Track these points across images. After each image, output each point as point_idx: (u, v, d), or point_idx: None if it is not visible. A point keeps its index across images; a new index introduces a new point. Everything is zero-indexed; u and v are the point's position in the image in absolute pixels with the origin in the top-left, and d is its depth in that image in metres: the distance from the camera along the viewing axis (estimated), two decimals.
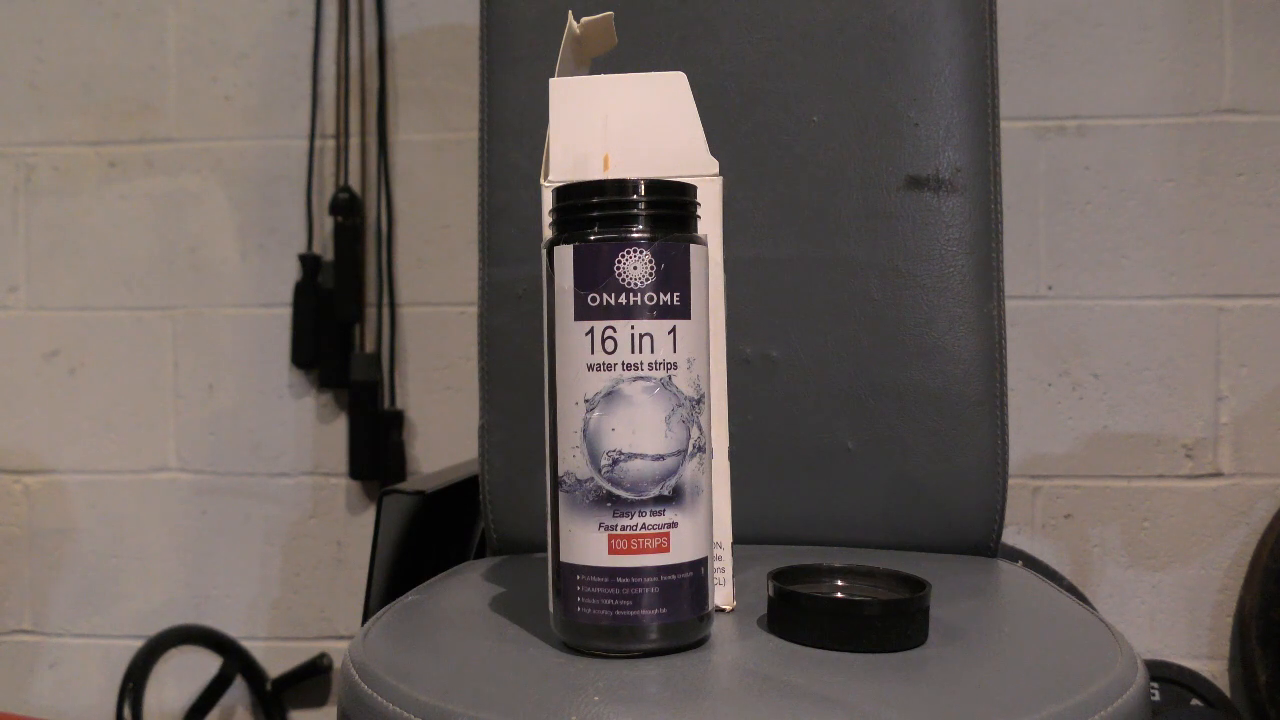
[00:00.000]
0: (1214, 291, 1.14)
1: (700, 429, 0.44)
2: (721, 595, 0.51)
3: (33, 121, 1.25)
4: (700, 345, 0.44)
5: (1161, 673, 1.11)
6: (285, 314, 1.23)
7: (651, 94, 0.51)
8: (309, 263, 1.20)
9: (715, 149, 0.54)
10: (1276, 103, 1.13)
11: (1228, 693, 1.14)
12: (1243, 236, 1.13)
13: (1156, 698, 1.10)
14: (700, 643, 0.46)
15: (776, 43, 0.72)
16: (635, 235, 0.43)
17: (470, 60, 1.21)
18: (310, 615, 1.24)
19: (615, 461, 0.43)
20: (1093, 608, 0.80)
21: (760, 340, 0.70)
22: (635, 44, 0.73)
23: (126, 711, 1.14)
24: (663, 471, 0.43)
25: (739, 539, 0.61)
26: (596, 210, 0.43)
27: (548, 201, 0.49)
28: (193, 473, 1.24)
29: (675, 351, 0.43)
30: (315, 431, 1.23)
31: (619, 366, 0.43)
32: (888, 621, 0.45)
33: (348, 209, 1.19)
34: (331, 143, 1.22)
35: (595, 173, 0.51)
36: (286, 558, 1.24)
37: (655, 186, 0.43)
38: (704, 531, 0.44)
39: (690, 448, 0.43)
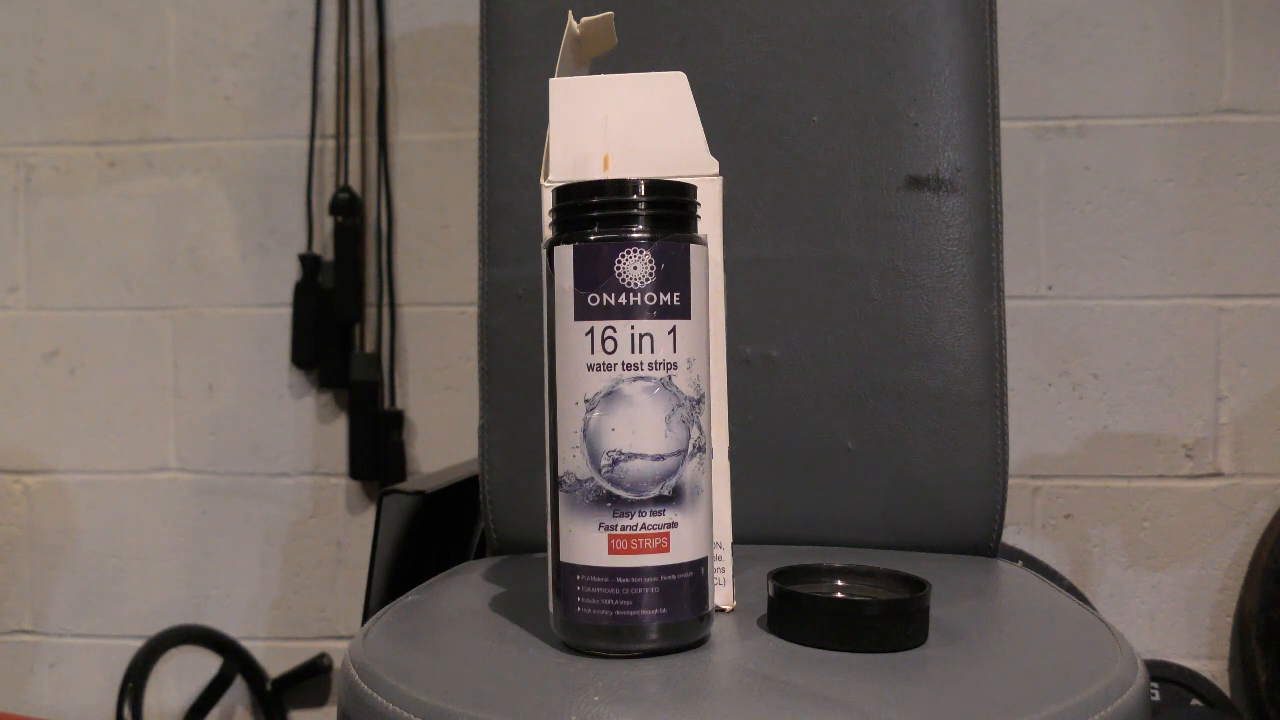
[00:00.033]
0: (1214, 291, 1.14)
1: (700, 429, 0.44)
2: (721, 595, 0.51)
3: (33, 121, 1.25)
4: (700, 345, 0.44)
5: (1161, 673, 1.11)
6: (285, 314, 1.23)
7: (651, 94, 0.51)
8: (309, 263, 1.20)
9: (715, 149, 0.54)
10: (1276, 103, 1.13)
11: (1228, 693, 1.14)
12: (1243, 236, 1.13)
13: (1156, 698, 1.10)
14: (700, 643, 0.46)
15: (776, 43, 0.72)
16: (635, 235, 0.43)
17: (470, 60, 1.21)
18: (310, 615, 1.24)
19: (615, 461, 0.43)
20: (1093, 608, 0.80)
21: (760, 340, 0.70)
22: (635, 44, 0.73)
23: (126, 711, 1.14)
24: (663, 471, 0.43)
25: (739, 539, 0.61)
26: (596, 210, 0.43)
27: (548, 201, 0.49)
28: (193, 473, 1.24)
29: (675, 351, 0.43)
30: (315, 431, 1.23)
31: (619, 366, 0.43)
32: (888, 621, 0.45)
33: (348, 209, 1.19)
34: (331, 143, 1.22)
35: (595, 173, 0.51)
36: (286, 558, 1.24)
37: (655, 186, 0.43)
38: (704, 531, 0.44)
39: (690, 448, 0.44)
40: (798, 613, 0.46)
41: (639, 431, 0.42)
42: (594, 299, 0.43)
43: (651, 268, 0.43)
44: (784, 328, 0.70)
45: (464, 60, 1.21)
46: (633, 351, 0.43)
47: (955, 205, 0.70)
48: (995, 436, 0.68)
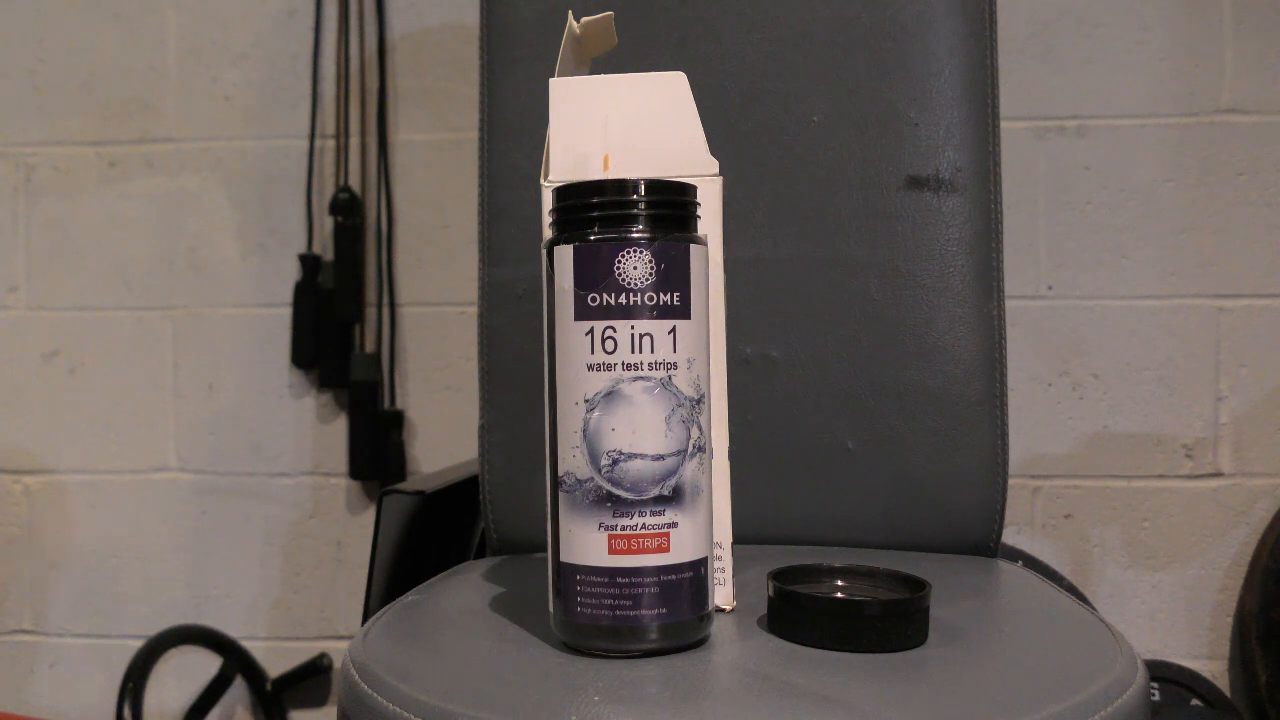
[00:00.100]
0: (1214, 291, 1.14)
1: (700, 429, 0.44)
2: (721, 595, 0.51)
3: (33, 121, 1.25)
4: (700, 345, 0.44)
5: (1161, 673, 1.11)
6: (285, 314, 1.23)
7: (651, 94, 0.51)
8: (309, 263, 1.20)
9: (715, 149, 0.54)
10: (1276, 103, 1.13)
11: (1228, 693, 1.14)
12: (1243, 236, 1.13)
13: (1156, 698, 1.10)
14: (700, 643, 0.46)
15: (776, 43, 0.72)
16: (635, 235, 0.43)
17: (470, 60, 1.21)
18: (310, 615, 1.24)
19: (615, 461, 0.43)
20: (1093, 608, 0.80)
21: (760, 340, 0.70)
22: (635, 44, 0.73)
23: (126, 711, 1.14)
24: (663, 471, 0.43)
25: (739, 539, 0.61)
26: (596, 210, 0.43)
27: (548, 201, 0.49)
28: (193, 473, 1.24)
29: (675, 351, 0.43)
30: (315, 431, 1.23)
31: (619, 366, 0.43)
32: (888, 621, 0.45)
33: (348, 209, 1.19)
34: (331, 143, 1.22)
35: (595, 173, 0.51)
36: (286, 558, 1.24)
37: (655, 186, 0.43)
38: (704, 531, 0.44)
39: (690, 448, 0.43)
40: (798, 613, 0.46)
41: (639, 431, 0.42)
42: (594, 299, 0.43)
43: (651, 268, 0.43)
44: (784, 328, 0.70)
45: (464, 60, 1.21)
46: (633, 351, 0.43)
47: (955, 205, 0.70)
48: (995, 436, 0.68)
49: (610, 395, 0.43)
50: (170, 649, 1.20)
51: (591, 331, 0.43)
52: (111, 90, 1.24)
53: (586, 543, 0.43)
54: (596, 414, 0.43)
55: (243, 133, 1.23)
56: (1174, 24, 1.13)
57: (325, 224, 1.22)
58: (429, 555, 0.90)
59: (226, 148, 1.23)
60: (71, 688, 1.26)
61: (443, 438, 1.22)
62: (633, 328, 0.43)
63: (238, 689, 1.24)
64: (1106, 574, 1.15)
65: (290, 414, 1.23)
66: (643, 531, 0.43)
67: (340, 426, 1.22)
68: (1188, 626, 1.15)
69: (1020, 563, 1.13)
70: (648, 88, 0.51)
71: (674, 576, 0.43)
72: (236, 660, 1.21)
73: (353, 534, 1.23)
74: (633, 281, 0.42)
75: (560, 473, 0.44)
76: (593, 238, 0.43)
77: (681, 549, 0.43)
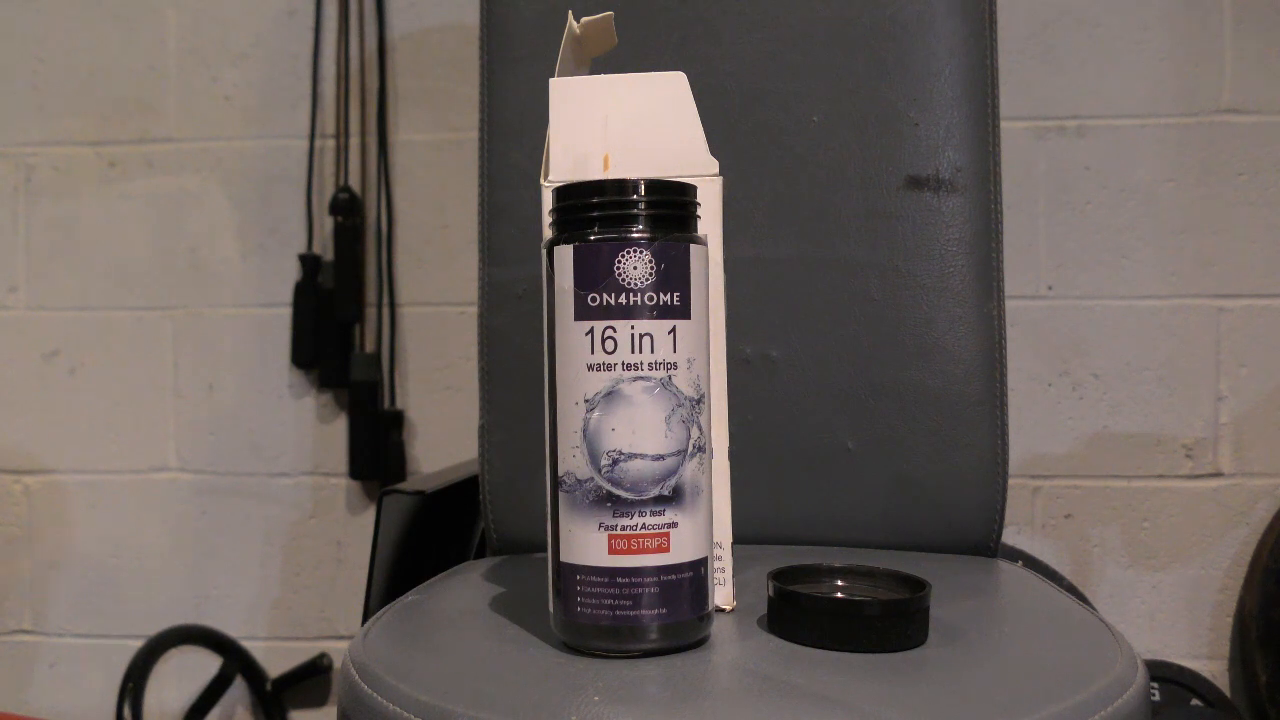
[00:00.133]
0: (1214, 291, 1.14)
1: (700, 429, 0.44)
2: (721, 595, 0.51)
3: (33, 121, 1.25)
4: (700, 345, 0.44)
5: (1161, 673, 1.11)
6: (285, 314, 1.23)
7: (651, 94, 0.51)
8: (309, 263, 1.20)
9: (715, 149, 0.54)
10: (1276, 103, 1.13)
11: (1228, 693, 1.14)
12: (1243, 236, 1.13)
13: (1156, 698, 1.10)
14: (700, 643, 0.46)
15: (776, 43, 0.72)
16: (635, 235, 0.43)
17: (470, 60, 1.21)
18: (310, 615, 1.24)
19: (615, 461, 0.43)
20: (1093, 608, 0.80)
21: (760, 340, 0.70)
22: (635, 44, 0.73)
23: (126, 711, 1.14)
24: (663, 471, 0.43)
25: (739, 539, 0.61)
26: (596, 210, 0.43)
27: (548, 201, 0.49)
28: (193, 473, 1.24)
29: (675, 351, 0.43)
30: (315, 431, 1.23)
31: (619, 366, 0.43)
32: (888, 621, 0.45)
33: (348, 209, 1.19)
34: (331, 143, 1.22)
35: (595, 173, 0.51)
36: (286, 558, 1.24)
37: (655, 186, 0.43)
38: (704, 531, 0.44)
39: (690, 448, 0.43)
40: (798, 613, 0.46)
41: (639, 431, 0.42)
42: (594, 299, 0.43)
43: (651, 268, 0.43)
44: (784, 328, 0.70)
45: (464, 60, 1.21)
46: (633, 351, 0.43)
47: (955, 205, 0.70)
48: (995, 436, 0.68)
49: (610, 395, 0.43)
50: (170, 649, 1.20)
51: (591, 331, 0.43)
52: (111, 90, 1.24)
53: (586, 543, 0.43)
54: (596, 414, 0.43)
55: (243, 133, 1.23)
56: (1174, 24, 1.13)
57: (325, 224, 1.22)
58: (429, 555, 0.90)
59: (226, 148, 1.23)
60: (71, 688, 1.26)
61: (443, 438, 1.22)
62: (633, 328, 0.43)
63: (238, 689, 1.24)
64: (1106, 574, 1.15)
65: (290, 414, 1.23)
66: (643, 531, 0.43)
67: (340, 426, 1.22)
68: (1188, 626, 1.15)
69: (1020, 563, 1.13)
70: (648, 88, 0.51)
71: (674, 576, 0.43)
72: (236, 660, 1.21)
73: (353, 534, 1.23)
74: (633, 281, 0.42)
75: (560, 473, 0.44)
76: (593, 238, 0.43)
77: (681, 549, 0.43)
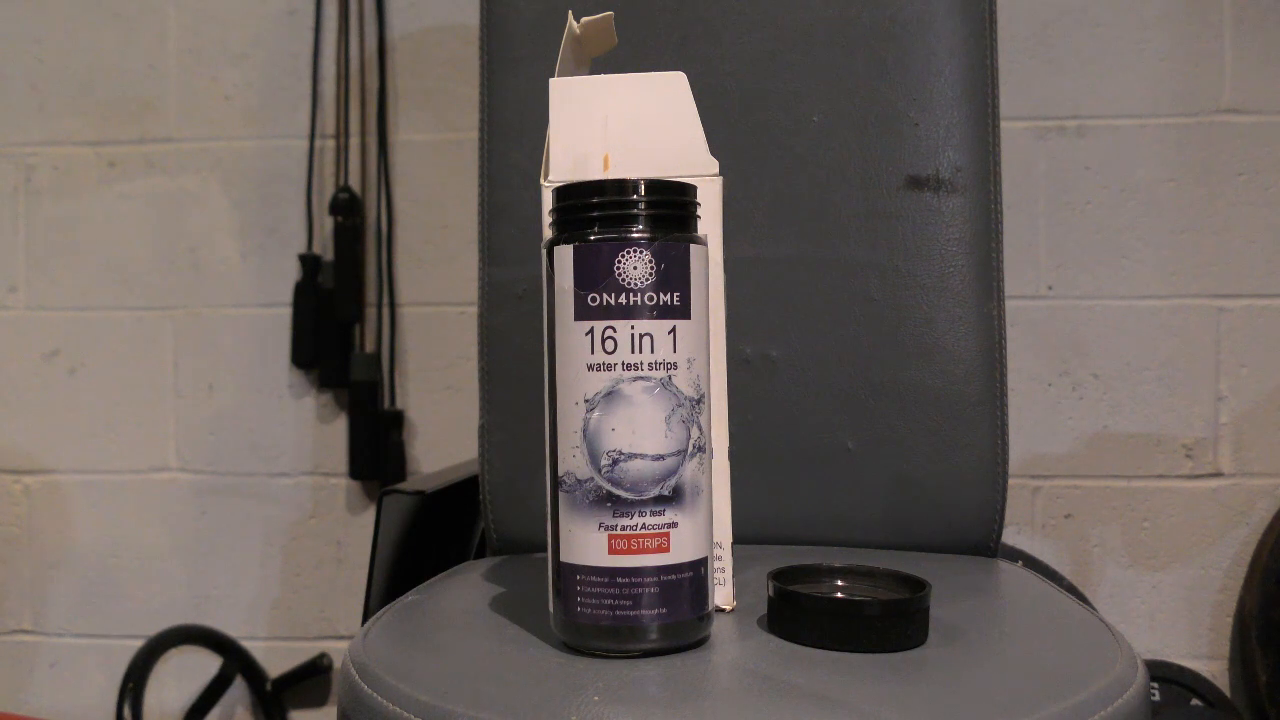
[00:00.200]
0: (1214, 291, 1.14)
1: (700, 429, 0.44)
2: (721, 595, 0.51)
3: (33, 121, 1.25)
4: (700, 345, 0.44)
5: (1161, 673, 1.11)
6: (285, 314, 1.23)
7: (651, 94, 0.51)
8: (309, 263, 1.20)
9: (715, 149, 0.54)
10: (1276, 103, 1.13)
11: (1228, 693, 1.14)
12: (1243, 236, 1.13)
13: (1156, 698, 1.10)
14: (700, 643, 0.46)
15: (776, 43, 0.72)
16: (635, 235, 0.43)
17: (470, 60, 1.21)
18: (310, 615, 1.24)
19: (615, 461, 0.43)
20: (1093, 608, 0.80)
21: (760, 340, 0.70)
22: (635, 44, 0.73)
23: (126, 711, 1.14)
24: (663, 471, 0.43)
25: (739, 539, 0.61)
26: (596, 210, 0.43)
27: (548, 201, 0.49)
28: (193, 473, 1.24)
29: (675, 351, 0.43)
30: (315, 431, 1.23)
31: (619, 366, 0.43)
32: (888, 621, 0.45)
33: (348, 209, 1.20)
34: (331, 143, 1.22)
35: (595, 173, 0.51)
36: (286, 558, 1.24)
37: (655, 186, 0.43)
38: (704, 531, 0.44)
39: (690, 448, 0.43)
40: (798, 613, 0.46)
41: (639, 431, 0.42)
42: (594, 299, 0.43)
43: (651, 268, 0.43)
44: (784, 328, 0.70)
45: (464, 60, 1.21)
46: (633, 351, 0.43)
47: (955, 205, 0.70)
48: (995, 436, 0.68)
49: (610, 395, 0.43)
50: (170, 649, 1.20)
51: (591, 331, 0.43)
52: (111, 90, 1.24)
53: (586, 543, 0.43)
54: (596, 414, 0.43)
55: (243, 133, 1.23)
56: (1174, 24, 1.13)
57: (325, 224, 1.22)
58: (429, 555, 0.90)
59: (226, 148, 1.23)
60: (71, 688, 1.26)
61: (443, 438, 1.22)
62: (633, 328, 0.43)
63: (238, 689, 1.24)
64: (1106, 574, 1.15)
65: (290, 414, 1.23)
66: (643, 531, 0.43)
67: (340, 426, 1.22)
68: (1188, 626, 1.15)
69: (1020, 563, 1.13)
70: (648, 88, 0.51)
71: (674, 576, 0.43)
72: (236, 660, 1.21)
73: (353, 534, 1.23)
74: (633, 281, 0.42)
75: (560, 473, 0.44)
76: (593, 238, 0.43)
77: (681, 549, 0.43)
